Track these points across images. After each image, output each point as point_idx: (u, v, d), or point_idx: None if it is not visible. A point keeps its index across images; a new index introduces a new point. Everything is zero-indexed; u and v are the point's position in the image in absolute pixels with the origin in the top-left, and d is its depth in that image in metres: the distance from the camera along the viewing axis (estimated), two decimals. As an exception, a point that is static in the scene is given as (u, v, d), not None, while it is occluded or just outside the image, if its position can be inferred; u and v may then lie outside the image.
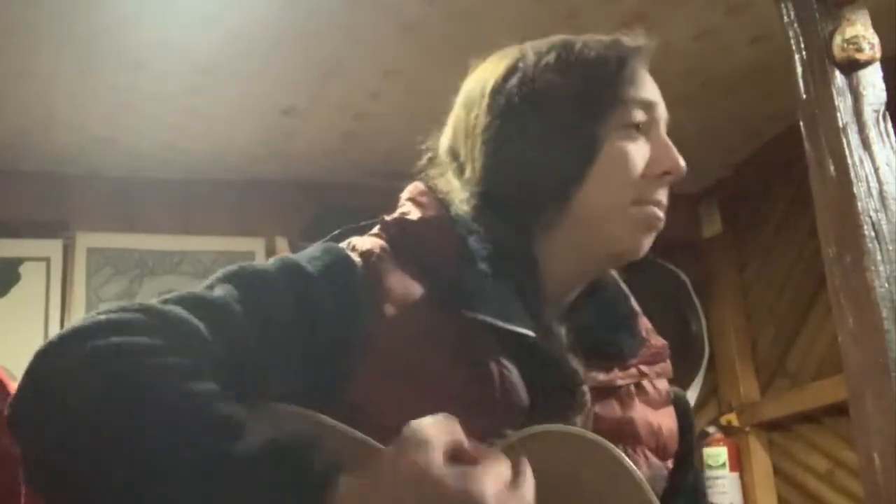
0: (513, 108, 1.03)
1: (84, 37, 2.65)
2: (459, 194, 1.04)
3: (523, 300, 0.97)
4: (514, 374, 0.94)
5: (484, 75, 1.09)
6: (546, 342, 0.97)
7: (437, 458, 0.73)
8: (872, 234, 1.91)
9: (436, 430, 0.76)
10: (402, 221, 1.01)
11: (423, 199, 1.04)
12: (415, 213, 1.02)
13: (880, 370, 1.85)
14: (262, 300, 0.89)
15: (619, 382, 1.04)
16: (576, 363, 0.99)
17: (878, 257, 1.90)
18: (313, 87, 3.02)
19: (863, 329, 1.89)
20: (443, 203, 1.04)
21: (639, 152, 1.02)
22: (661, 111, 1.06)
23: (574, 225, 1.01)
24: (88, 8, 2.53)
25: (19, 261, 3.35)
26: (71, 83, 2.90)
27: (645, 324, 1.12)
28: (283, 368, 0.88)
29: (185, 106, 3.09)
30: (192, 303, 0.86)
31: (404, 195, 1.07)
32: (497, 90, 1.05)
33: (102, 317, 0.82)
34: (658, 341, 1.11)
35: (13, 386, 1.58)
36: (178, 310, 0.84)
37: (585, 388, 0.98)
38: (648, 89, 1.05)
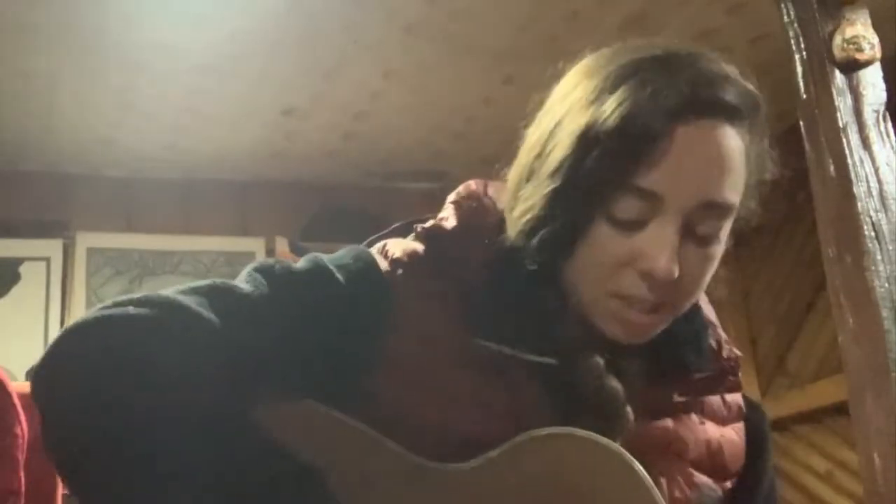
0: (559, 165, 0.90)
1: (84, 37, 2.65)
2: (522, 208, 0.96)
3: (551, 324, 0.93)
4: (536, 394, 0.92)
5: (580, 91, 0.93)
6: (577, 368, 0.93)
7: None
8: (872, 234, 1.91)
9: None
10: (434, 232, 0.96)
11: (467, 204, 0.98)
12: (451, 221, 0.96)
13: (880, 370, 1.85)
14: (290, 300, 0.89)
15: (677, 399, 0.98)
16: (616, 383, 0.94)
17: (878, 257, 1.90)
18: (313, 87, 3.02)
19: (863, 329, 1.89)
20: (491, 211, 0.98)
21: (620, 246, 0.89)
22: (680, 198, 0.88)
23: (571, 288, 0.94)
24: (89, 8, 2.53)
25: (19, 261, 3.36)
26: (71, 83, 2.91)
27: (718, 335, 1.04)
28: (299, 368, 0.88)
29: (185, 106, 3.09)
30: (219, 296, 0.87)
31: (451, 196, 1.00)
32: (576, 137, 0.90)
33: (130, 310, 0.84)
34: (731, 354, 1.04)
35: (13, 386, 1.58)
36: (196, 307, 0.85)
37: (628, 409, 0.93)
38: (662, 173, 0.86)
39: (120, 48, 2.73)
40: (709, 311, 1.05)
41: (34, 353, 3.23)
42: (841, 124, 1.98)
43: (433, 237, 0.95)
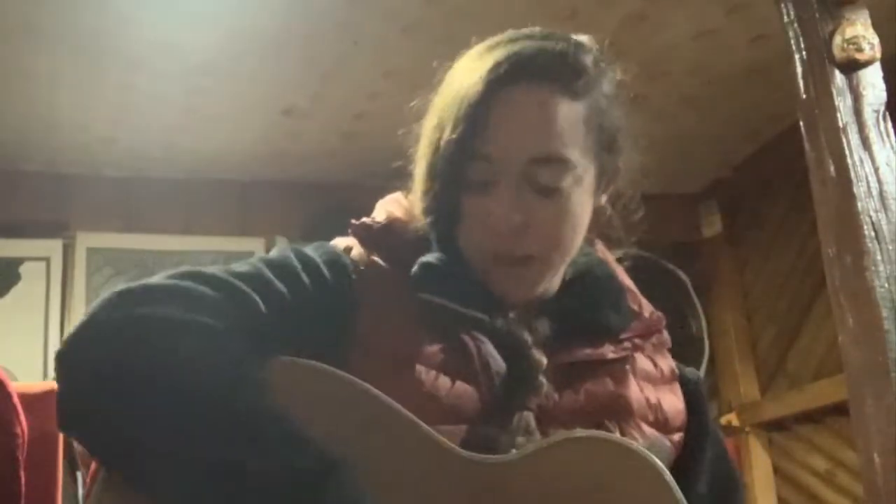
0: (422, 157, 1.08)
1: (84, 37, 2.66)
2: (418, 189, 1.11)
3: (477, 287, 1.04)
4: (488, 344, 1.01)
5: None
6: (495, 320, 1.03)
7: None
8: (872, 234, 1.91)
9: None
10: (365, 224, 1.09)
11: (392, 206, 1.11)
12: (380, 216, 1.10)
13: (880, 370, 1.85)
14: (283, 277, 0.99)
15: (611, 356, 1.06)
16: (523, 331, 1.04)
17: (878, 257, 1.90)
18: (313, 87, 3.03)
19: (863, 329, 1.89)
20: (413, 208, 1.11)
21: (481, 210, 1.02)
22: (509, 157, 1.01)
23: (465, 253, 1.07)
24: (89, 8, 2.53)
25: (19, 261, 3.36)
26: (72, 83, 2.91)
27: (637, 299, 1.14)
28: (298, 334, 0.97)
29: (186, 106, 3.09)
30: (229, 274, 0.97)
31: (379, 202, 1.14)
32: (432, 129, 1.08)
33: (170, 282, 0.93)
34: (653, 315, 1.13)
35: (13, 386, 1.58)
36: (232, 279, 0.95)
37: (534, 351, 1.02)
38: (490, 137, 1.00)
39: (120, 48, 2.73)
40: (625, 279, 1.15)
41: (34, 353, 3.24)
42: (841, 124, 1.98)
43: (364, 229, 1.08)
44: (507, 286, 1.04)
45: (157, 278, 0.93)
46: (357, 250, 1.06)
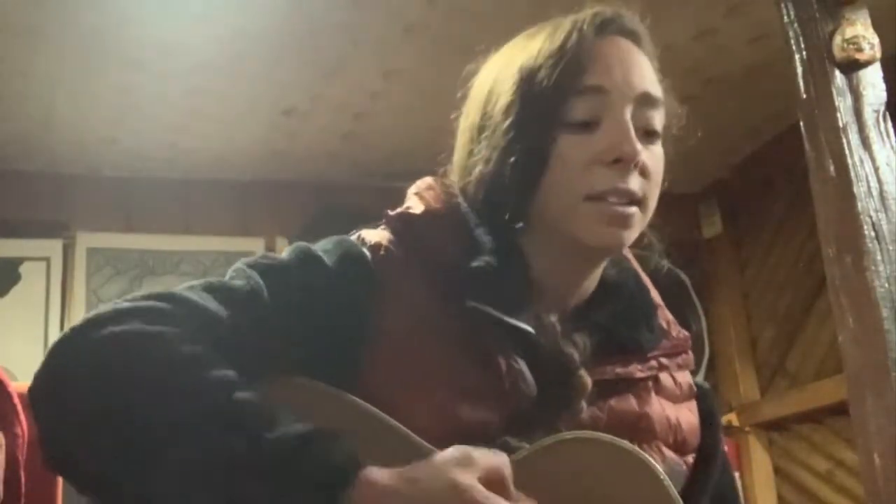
0: (507, 106, 1.01)
1: (85, 37, 2.65)
2: (472, 186, 1.04)
3: (525, 294, 0.98)
4: (521, 364, 0.96)
5: (505, 69, 1.07)
6: (541, 334, 0.98)
7: (475, 480, 0.78)
8: (872, 234, 1.91)
9: (483, 458, 0.80)
10: (405, 215, 1.02)
11: (428, 194, 1.05)
12: (418, 207, 1.03)
13: (880, 370, 1.85)
14: (281, 288, 0.93)
15: (639, 375, 1.03)
16: (570, 348, 0.99)
17: (878, 257, 1.90)
18: (314, 87, 3.03)
19: (863, 329, 1.89)
20: (451, 196, 1.04)
21: (583, 147, 0.97)
22: (622, 90, 0.99)
23: (541, 225, 1.01)
24: (89, 8, 2.53)
25: (19, 261, 3.36)
26: (71, 83, 2.91)
27: (666, 316, 1.11)
28: (298, 353, 0.92)
29: (186, 106, 3.09)
30: (215, 291, 0.91)
31: (411, 190, 1.08)
32: (516, 79, 1.03)
33: (125, 304, 0.87)
34: (680, 333, 1.11)
35: (13, 386, 1.58)
36: (199, 298, 0.89)
37: (582, 372, 0.98)
38: (600, 72, 0.99)
39: (120, 48, 2.73)
40: (655, 295, 1.12)
41: (34, 353, 3.24)
42: (841, 124, 1.98)
43: (404, 222, 1.02)
44: (606, 231, 0.97)
45: (127, 301, 0.88)
46: (388, 247, 0.99)
